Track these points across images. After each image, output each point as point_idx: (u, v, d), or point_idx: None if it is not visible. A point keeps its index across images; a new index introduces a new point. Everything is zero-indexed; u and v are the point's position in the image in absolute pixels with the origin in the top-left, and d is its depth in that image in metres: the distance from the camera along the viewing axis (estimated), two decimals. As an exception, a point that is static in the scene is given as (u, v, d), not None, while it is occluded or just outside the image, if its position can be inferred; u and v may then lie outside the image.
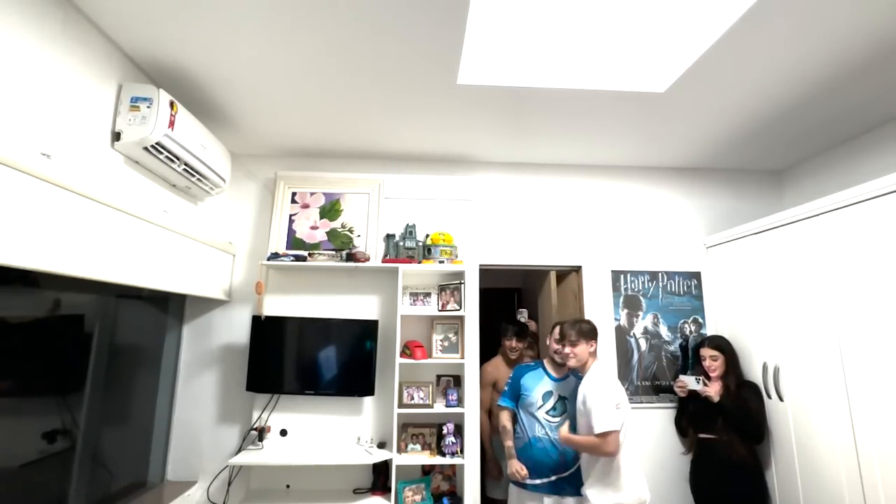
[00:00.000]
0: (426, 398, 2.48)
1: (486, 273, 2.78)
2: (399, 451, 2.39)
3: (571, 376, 2.28)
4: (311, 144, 2.70)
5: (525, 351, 2.76)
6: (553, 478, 2.11)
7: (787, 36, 1.70)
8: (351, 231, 2.70)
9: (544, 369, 2.31)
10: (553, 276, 3.02)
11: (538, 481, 2.12)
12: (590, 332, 2.12)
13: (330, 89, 2.09)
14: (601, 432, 1.85)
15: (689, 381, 2.39)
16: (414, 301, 2.63)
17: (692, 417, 2.44)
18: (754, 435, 2.26)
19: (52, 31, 1.49)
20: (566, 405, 2.21)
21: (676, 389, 2.47)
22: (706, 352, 2.42)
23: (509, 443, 2.21)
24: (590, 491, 1.96)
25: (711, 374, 2.38)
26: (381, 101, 2.19)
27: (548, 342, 2.36)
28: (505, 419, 2.27)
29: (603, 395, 1.94)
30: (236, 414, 2.53)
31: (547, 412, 2.20)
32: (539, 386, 2.25)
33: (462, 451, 2.42)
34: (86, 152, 1.66)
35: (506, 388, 2.34)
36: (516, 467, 2.11)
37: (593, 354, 2.11)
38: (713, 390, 2.29)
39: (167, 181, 2.17)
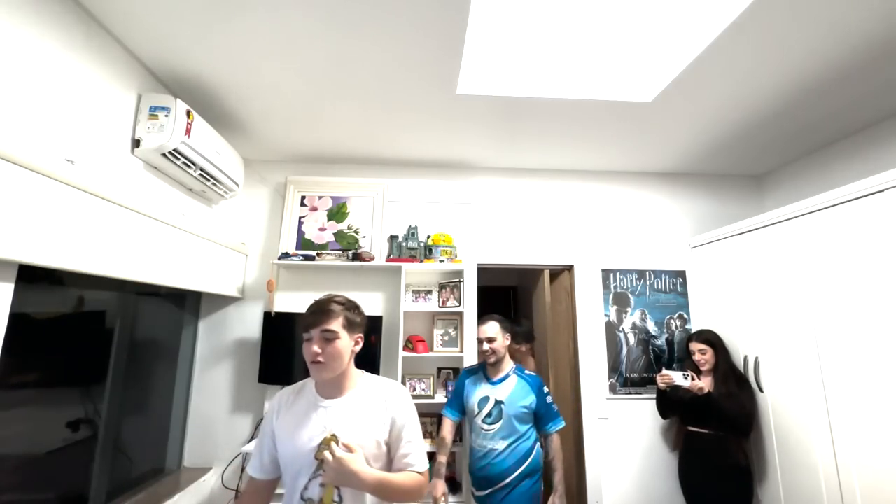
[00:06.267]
0: (427, 389, 2.48)
1: (483, 272, 2.78)
2: (402, 439, 2.39)
3: (513, 375, 1.99)
4: (320, 151, 2.70)
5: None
6: (488, 490, 1.88)
7: (767, 49, 1.70)
8: (357, 232, 2.71)
9: (484, 372, 2.04)
10: (547, 274, 3.02)
11: (481, 493, 1.92)
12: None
13: (337, 99, 2.09)
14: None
15: (676, 377, 2.20)
16: (416, 298, 2.64)
17: (682, 410, 2.30)
18: (743, 429, 2.12)
19: (76, 44, 1.50)
20: (502, 410, 1.90)
21: (659, 382, 2.28)
22: (695, 346, 2.32)
23: (442, 458, 1.97)
24: None
25: (702, 368, 2.28)
26: (386, 110, 2.19)
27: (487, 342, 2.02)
28: (445, 431, 2.02)
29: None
30: (249, 404, 2.53)
31: (483, 420, 1.92)
32: (477, 391, 1.99)
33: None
34: (107, 158, 1.66)
35: (450, 397, 2.12)
36: (439, 490, 1.87)
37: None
38: (703, 384, 2.15)
39: (184, 185, 2.17)
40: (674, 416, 2.43)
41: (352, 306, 1.30)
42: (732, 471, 2.10)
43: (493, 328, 2.00)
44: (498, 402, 1.92)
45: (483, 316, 2.09)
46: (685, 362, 2.47)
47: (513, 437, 1.89)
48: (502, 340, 2.00)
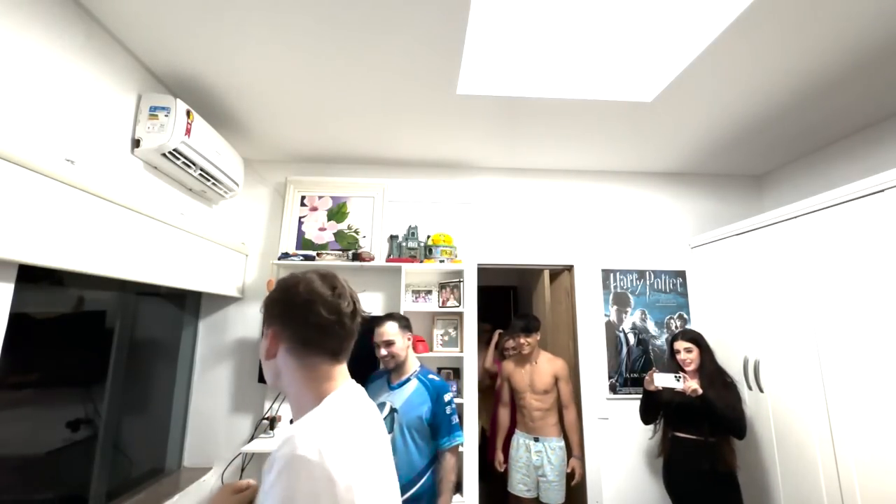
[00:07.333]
0: (427, 389, 2.47)
1: (483, 272, 2.78)
2: (402, 439, 2.37)
3: (414, 379, 1.75)
4: (320, 151, 2.70)
5: (534, 345, 2.50)
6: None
7: (767, 49, 1.70)
8: (357, 232, 2.71)
9: (388, 375, 1.83)
10: (546, 274, 3.03)
11: None
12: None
13: (338, 99, 2.09)
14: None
15: (667, 380, 2.06)
16: (416, 298, 2.63)
17: (668, 413, 2.17)
18: (739, 432, 2.00)
19: (76, 45, 1.50)
20: (395, 419, 1.67)
21: (647, 385, 2.14)
22: (680, 344, 2.20)
23: None
24: None
25: (687, 368, 2.16)
26: (386, 110, 2.19)
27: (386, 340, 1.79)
28: None
29: None
30: (249, 404, 2.53)
31: None
32: (377, 396, 1.77)
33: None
34: (108, 158, 1.66)
35: None
36: None
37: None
38: (696, 385, 2.01)
39: (184, 185, 2.17)
40: (657, 421, 2.29)
41: (278, 287, 0.86)
42: (722, 477, 2.01)
43: (391, 329, 1.77)
44: (393, 410, 1.69)
45: (383, 317, 1.84)
46: (670, 363, 2.32)
47: (405, 452, 1.65)
48: (403, 342, 1.77)
